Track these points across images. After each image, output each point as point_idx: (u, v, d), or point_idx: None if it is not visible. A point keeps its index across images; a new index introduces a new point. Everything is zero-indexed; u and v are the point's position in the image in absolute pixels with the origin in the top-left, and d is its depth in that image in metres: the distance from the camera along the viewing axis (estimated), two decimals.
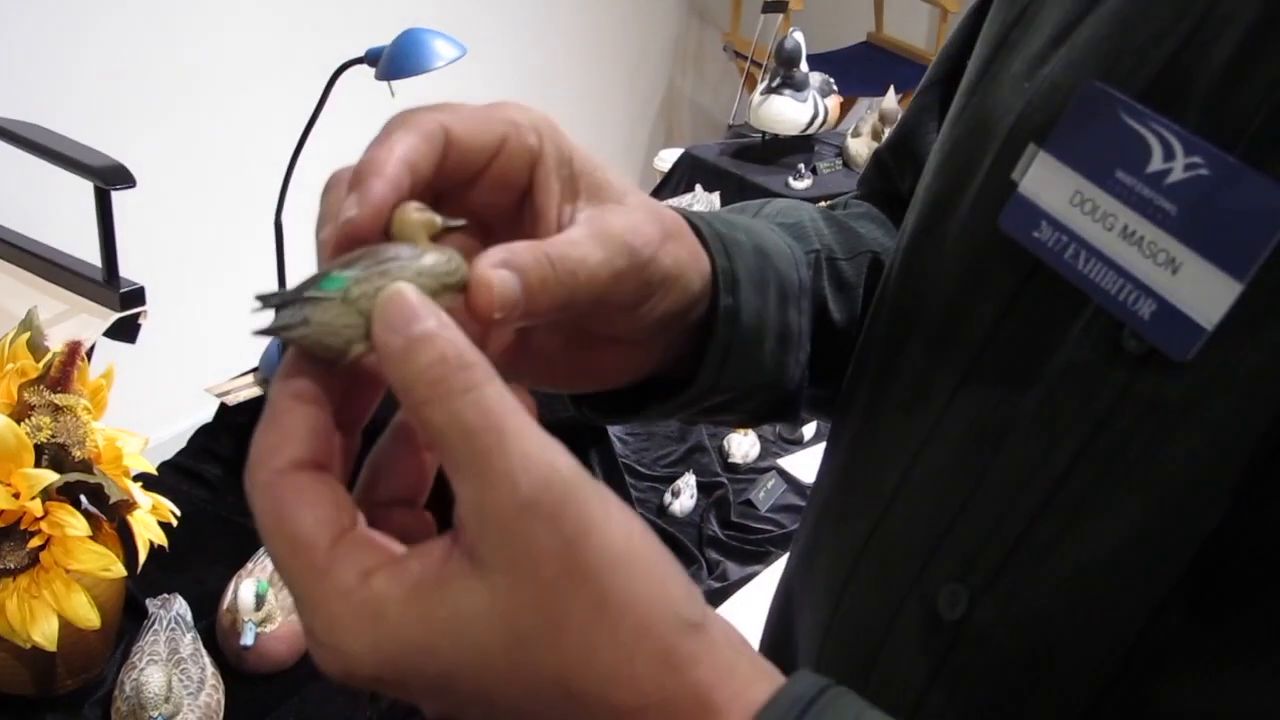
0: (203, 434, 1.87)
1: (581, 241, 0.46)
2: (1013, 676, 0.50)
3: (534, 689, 0.37)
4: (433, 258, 0.40)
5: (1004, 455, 0.51)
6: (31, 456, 1.21)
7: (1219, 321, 0.42)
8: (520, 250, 0.43)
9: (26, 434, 1.21)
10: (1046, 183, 0.48)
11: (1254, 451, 0.42)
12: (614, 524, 0.37)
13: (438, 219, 0.42)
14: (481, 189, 0.46)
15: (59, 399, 1.25)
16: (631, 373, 0.58)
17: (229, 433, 1.84)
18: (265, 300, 0.40)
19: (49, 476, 1.19)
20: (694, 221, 0.57)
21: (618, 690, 0.36)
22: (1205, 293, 0.42)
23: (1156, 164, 0.43)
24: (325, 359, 0.39)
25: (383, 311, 0.38)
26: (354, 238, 0.41)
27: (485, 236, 0.49)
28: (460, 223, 0.43)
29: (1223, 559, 0.43)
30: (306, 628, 0.38)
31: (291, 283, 0.40)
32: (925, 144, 0.70)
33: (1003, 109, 0.55)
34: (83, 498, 1.28)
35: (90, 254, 1.83)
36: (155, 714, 1.19)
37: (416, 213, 0.42)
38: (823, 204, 0.74)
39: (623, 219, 0.49)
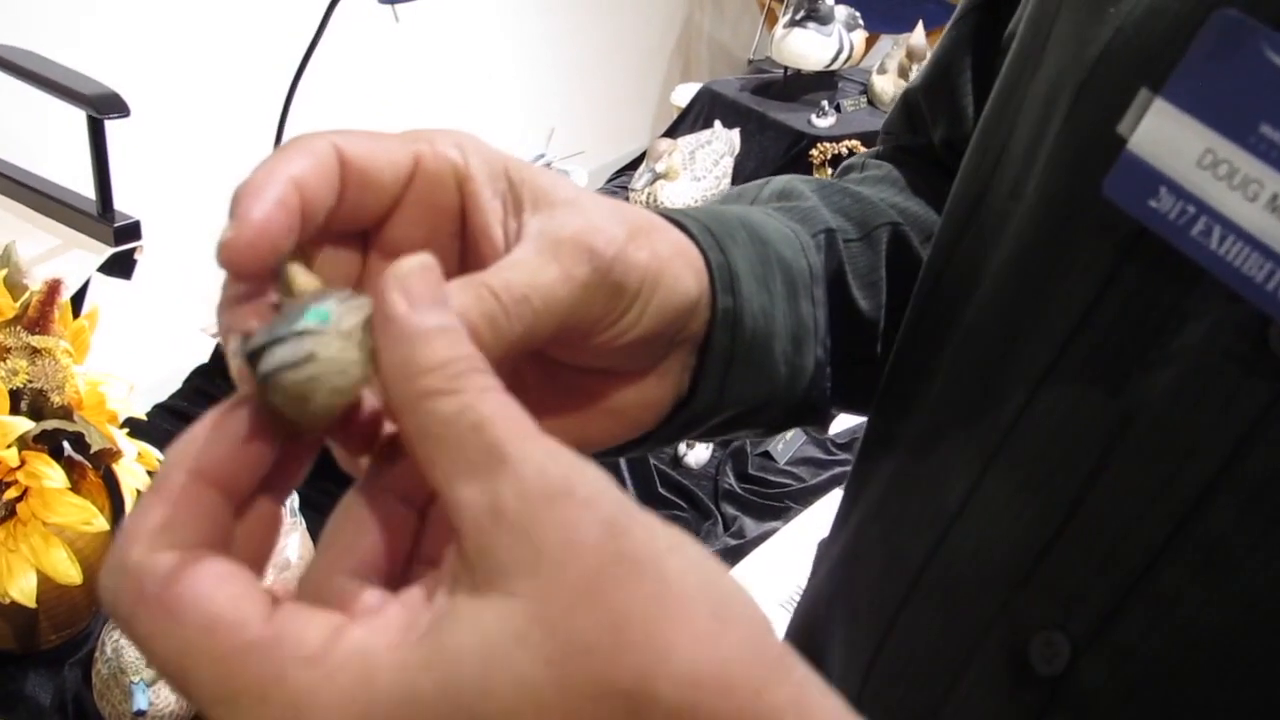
0: (198, 375, 1.81)
1: (527, 260, 0.38)
2: None
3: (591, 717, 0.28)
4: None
5: (1110, 472, 0.42)
6: (6, 403, 1.14)
7: None
8: (454, 291, 0.36)
9: (1, 379, 1.14)
10: (1166, 139, 0.39)
11: None
12: (652, 518, 0.29)
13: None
14: (405, 220, 0.39)
15: (37, 341, 1.18)
16: (647, 410, 0.48)
17: (225, 375, 1.77)
18: (248, 341, 0.32)
19: (24, 424, 1.12)
20: (676, 218, 0.48)
21: (707, 697, 0.27)
22: None
23: None
24: (303, 419, 0.32)
25: (409, 275, 0.32)
26: (234, 265, 0.33)
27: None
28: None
29: None
30: None
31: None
32: (961, 83, 0.61)
33: (1081, 41, 0.45)
34: (66, 446, 1.21)
35: (84, 187, 1.75)
36: (135, 679, 1.12)
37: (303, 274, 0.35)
38: (842, 148, 0.64)
39: (576, 219, 0.40)
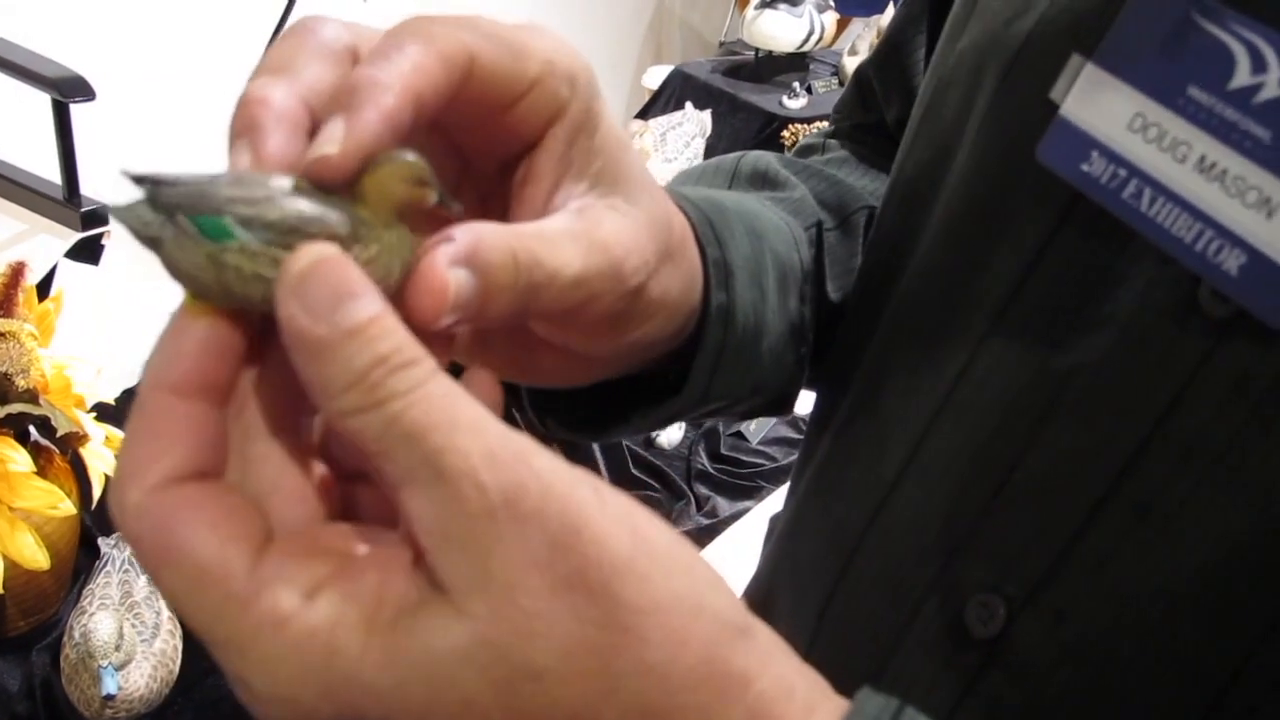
0: None
1: (561, 244, 0.36)
2: (1066, 715, 0.42)
3: None
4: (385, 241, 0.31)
5: (1047, 435, 0.42)
6: None
7: None
8: (487, 245, 0.33)
9: None
10: (1097, 103, 0.39)
11: None
12: (610, 518, 0.29)
13: (432, 194, 0.32)
14: (488, 134, 0.37)
15: (1, 325, 1.18)
16: (582, 380, 0.47)
17: None
18: (138, 181, 0.31)
19: None
20: (681, 204, 0.47)
21: None
22: None
23: (1242, 78, 0.35)
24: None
25: (301, 282, 0.29)
26: (323, 176, 0.31)
27: (460, 166, 0.39)
28: (457, 209, 0.34)
29: None
30: (236, 677, 0.30)
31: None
32: (912, 62, 0.62)
33: (1015, 9, 0.45)
34: (32, 430, 1.21)
35: (50, 171, 1.73)
36: (104, 663, 1.12)
37: (404, 179, 0.32)
38: (812, 130, 0.65)
39: (619, 227, 0.38)
